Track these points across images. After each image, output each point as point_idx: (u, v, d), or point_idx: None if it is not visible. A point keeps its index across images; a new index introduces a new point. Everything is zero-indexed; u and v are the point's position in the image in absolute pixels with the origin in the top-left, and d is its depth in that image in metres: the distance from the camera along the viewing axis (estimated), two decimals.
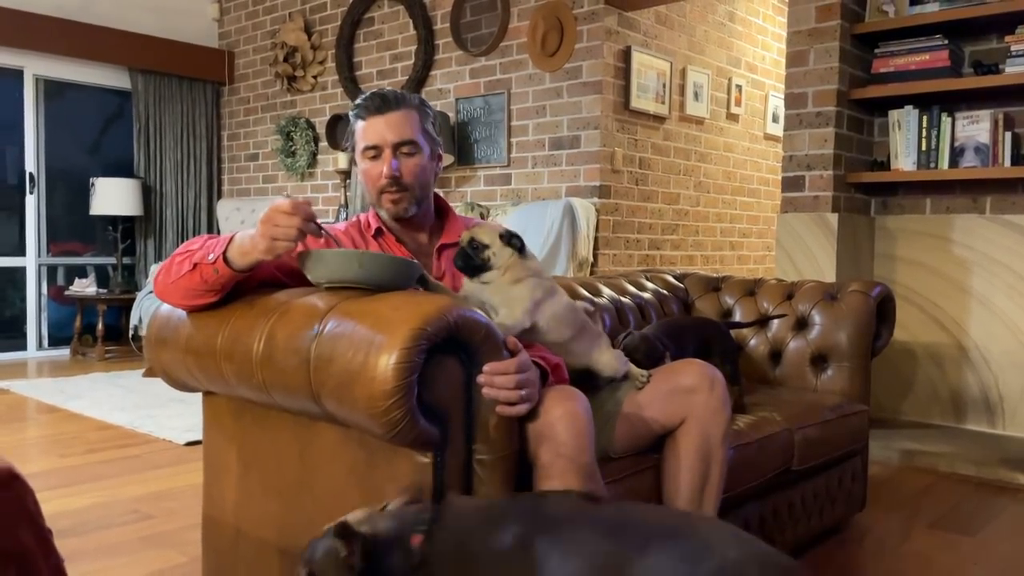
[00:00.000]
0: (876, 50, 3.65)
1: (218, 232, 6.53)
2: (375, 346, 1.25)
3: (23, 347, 6.01)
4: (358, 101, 1.70)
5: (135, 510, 2.62)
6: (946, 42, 3.44)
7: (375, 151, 1.67)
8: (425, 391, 1.29)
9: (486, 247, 1.56)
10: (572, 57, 4.50)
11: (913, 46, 3.53)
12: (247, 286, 1.57)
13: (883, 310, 2.56)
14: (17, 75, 5.88)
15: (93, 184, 6.02)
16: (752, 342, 2.66)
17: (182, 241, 6.50)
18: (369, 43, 5.62)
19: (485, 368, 1.35)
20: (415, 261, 1.54)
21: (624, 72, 4.53)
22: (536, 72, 4.68)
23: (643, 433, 1.72)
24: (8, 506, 0.96)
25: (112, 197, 6.01)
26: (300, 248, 1.64)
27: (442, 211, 1.83)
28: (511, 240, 1.57)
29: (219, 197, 6.81)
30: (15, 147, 5.96)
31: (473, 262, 1.56)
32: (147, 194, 6.34)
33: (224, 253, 1.44)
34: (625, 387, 1.76)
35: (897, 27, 3.53)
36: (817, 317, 2.54)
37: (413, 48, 5.29)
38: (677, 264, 5.05)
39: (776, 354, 2.61)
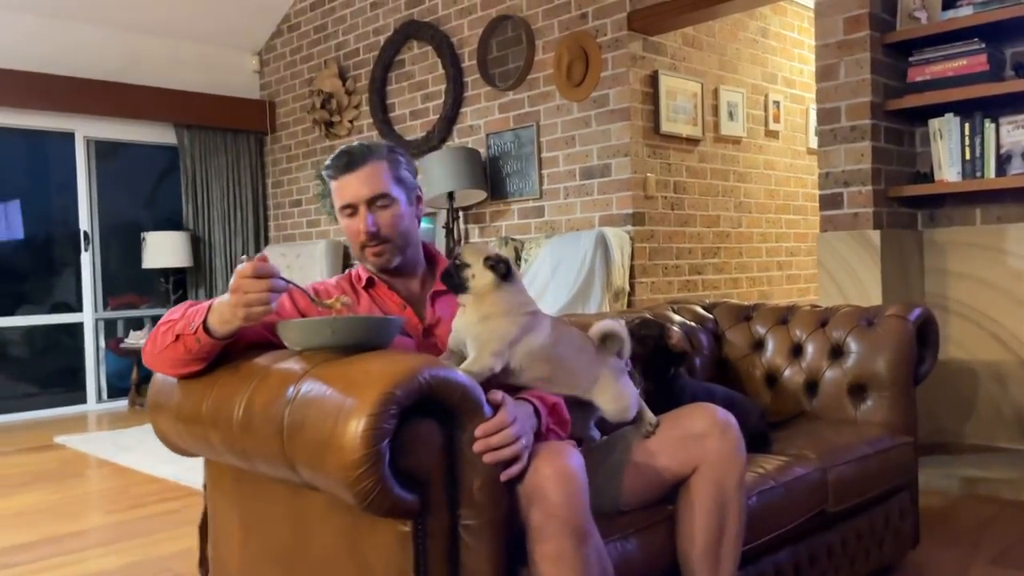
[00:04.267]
0: (911, 58, 3.51)
1: None
2: (344, 412, 1.20)
3: (83, 400, 6.18)
4: (327, 162, 1.69)
5: (167, 568, 2.62)
6: (983, 45, 3.28)
7: (351, 209, 1.66)
8: (400, 457, 1.24)
9: (467, 266, 1.52)
10: (599, 85, 4.45)
11: (949, 52, 3.37)
12: (236, 348, 1.55)
13: (925, 334, 2.41)
14: (69, 138, 6.11)
15: (144, 238, 6.20)
16: (787, 372, 2.54)
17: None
18: (401, 84, 5.68)
19: (477, 432, 1.29)
20: (393, 317, 1.50)
21: (652, 97, 4.46)
22: (564, 103, 4.64)
23: (654, 483, 1.64)
24: None
25: (162, 250, 6.18)
26: (278, 306, 1.62)
27: (431, 258, 1.80)
28: (496, 265, 1.52)
29: (266, 244, 6.93)
30: (70, 207, 6.18)
31: (453, 280, 1.53)
32: (196, 245, 6.49)
33: (204, 322, 1.43)
34: (632, 433, 1.68)
35: (930, 34, 3.39)
36: (853, 344, 2.41)
37: (443, 87, 5.31)
38: (721, 288, 4.92)
39: (812, 384, 2.48)
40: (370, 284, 1.72)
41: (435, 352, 1.61)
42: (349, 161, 1.66)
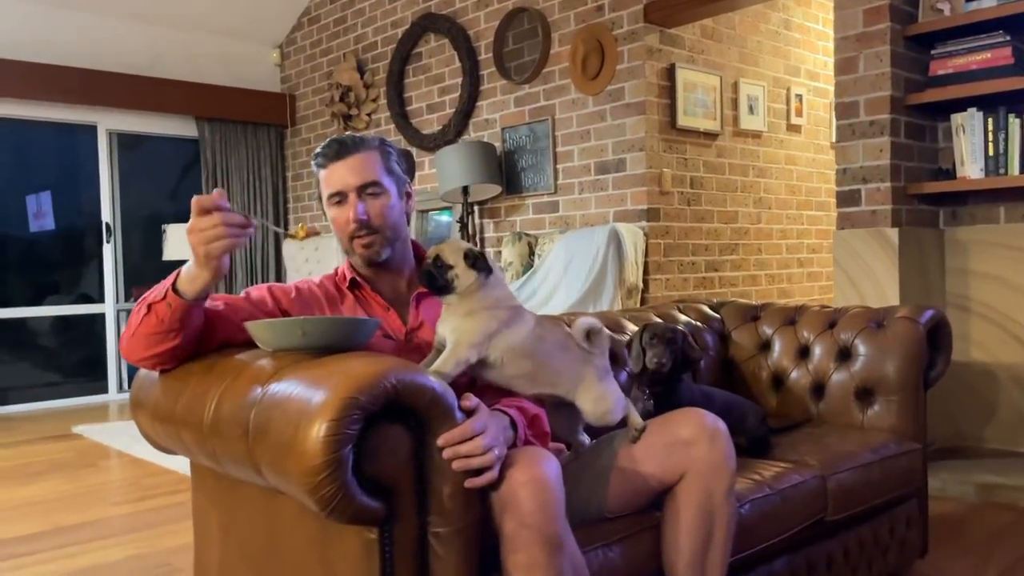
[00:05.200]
0: (932, 51, 3.40)
1: (283, 276, 6.67)
2: (305, 416, 1.17)
3: (104, 390, 6.26)
4: (317, 150, 1.66)
5: (166, 563, 2.63)
6: (1008, 38, 3.17)
7: (340, 197, 1.63)
8: (366, 463, 1.20)
9: (450, 267, 1.49)
10: (614, 79, 4.39)
11: (972, 44, 3.27)
12: (211, 344, 1.52)
13: (936, 336, 2.33)
14: (91, 130, 6.17)
15: (165, 230, 6.24)
16: (793, 375, 2.47)
17: (251, 281, 6.66)
18: (418, 78, 5.65)
19: (440, 441, 1.26)
20: (368, 318, 1.47)
21: (669, 90, 4.38)
22: (579, 96, 4.58)
23: (641, 490, 1.59)
24: None
25: (183, 242, 6.17)
26: (258, 303, 1.60)
27: (420, 258, 1.76)
28: (476, 262, 1.49)
29: (286, 236, 6.95)
30: (92, 199, 6.24)
31: (437, 282, 1.50)
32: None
33: (174, 285, 1.41)
34: (620, 438, 1.64)
35: (953, 26, 3.28)
36: (861, 347, 2.34)
37: (459, 80, 5.28)
38: (739, 285, 4.84)
39: (818, 387, 2.41)
40: (353, 285, 1.69)
41: (418, 355, 1.58)
42: (340, 149, 1.63)
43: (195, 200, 1.35)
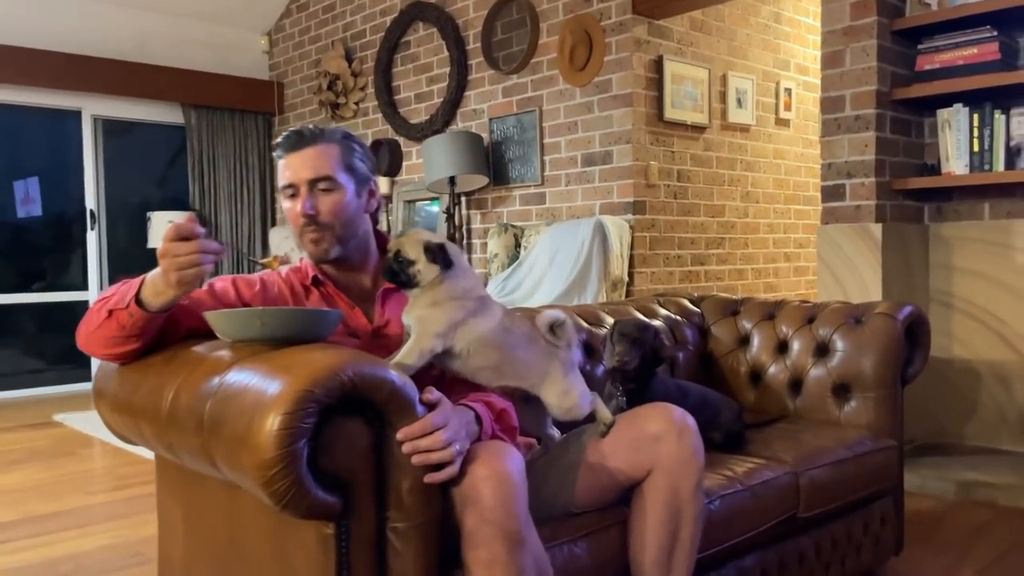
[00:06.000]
0: (919, 46, 3.38)
1: None
2: (260, 409, 1.15)
3: (88, 378, 6.21)
4: (277, 139, 1.63)
5: (138, 553, 2.61)
6: (995, 33, 3.15)
7: (292, 189, 1.59)
8: (323, 457, 1.18)
9: (412, 262, 1.47)
10: (602, 70, 4.36)
11: (959, 40, 3.25)
12: (175, 336, 1.50)
13: (915, 334, 2.32)
14: (75, 116, 6.11)
15: (150, 218, 6.19)
16: (771, 370, 2.46)
17: (235, 271, 6.62)
18: (406, 67, 5.61)
19: (399, 436, 1.24)
20: (329, 310, 1.44)
21: (656, 82, 4.36)
22: (566, 87, 4.55)
23: (608, 485, 1.57)
24: None
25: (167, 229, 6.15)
26: (221, 295, 1.58)
27: (384, 251, 1.72)
28: (436, 256, 1.47)
29: (272, 225, 6.91)
30: (76, 185, 6.19)
31: (399, 277, 1.48)
32: (202, 225, 6.43)
33: (137, 295, 1.38)
34: (589, 432, 1.62)
35: (941, 20, 3.26)
36: (839, 343, 2.32)
37: (447, 70, 5.24)
38: (724, 279, 4.82)
39: (796, 383, 2.40)
40: (316, 282, 1.65)
41: (384, 352, 1.55)
42: (297, 140, 1.59)
43: (174, 226, 1.34)
